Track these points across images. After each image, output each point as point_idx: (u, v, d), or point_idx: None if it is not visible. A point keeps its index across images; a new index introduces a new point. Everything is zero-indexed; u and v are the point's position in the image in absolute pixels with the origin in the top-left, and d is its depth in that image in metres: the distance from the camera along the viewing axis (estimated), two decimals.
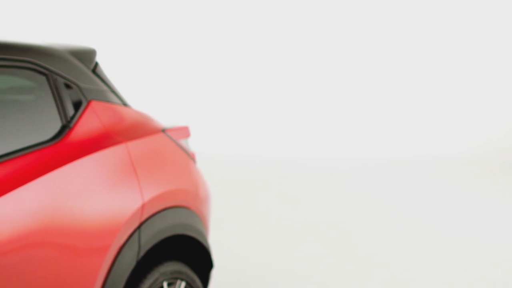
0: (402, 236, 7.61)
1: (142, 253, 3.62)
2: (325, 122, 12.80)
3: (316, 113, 12.90)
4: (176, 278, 3.87)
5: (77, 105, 3.50)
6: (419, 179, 10.52)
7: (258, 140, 12.26)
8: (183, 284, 3.91)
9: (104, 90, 3.67)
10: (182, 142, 4.12)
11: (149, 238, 3.66)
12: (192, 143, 12.25)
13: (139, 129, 3.78)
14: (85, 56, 3.68)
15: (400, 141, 12.54)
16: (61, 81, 3.45)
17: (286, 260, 6.69)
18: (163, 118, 12.29)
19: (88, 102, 3.55)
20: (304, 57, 13.08)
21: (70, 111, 3.46)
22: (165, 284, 3.81)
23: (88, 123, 3.50)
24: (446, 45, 13.22)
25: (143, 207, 3.61)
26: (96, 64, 3.76)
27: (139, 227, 3.60)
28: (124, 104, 3.81)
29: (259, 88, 12.96)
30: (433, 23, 13.16)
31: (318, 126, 12.72)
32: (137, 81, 12.23)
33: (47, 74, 3.41)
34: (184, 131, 4.14)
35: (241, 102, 12.78)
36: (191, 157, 4.13)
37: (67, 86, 3.48)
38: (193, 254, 4.13)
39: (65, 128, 3.41)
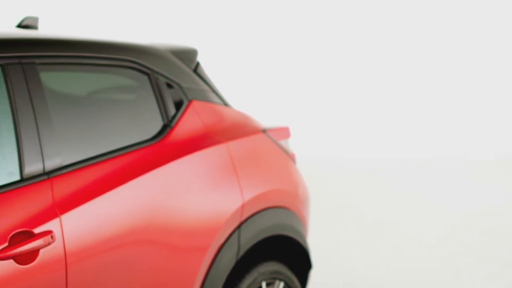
0: (463, 235, 7.27)
1: (241, 253, 3.50)
2: (362, 122, 12.54)
3: (352, 113, 12.63)
4: (275, 278, 3.71)
5: (178, 105, 3.39)
6: (458, 179, 10.10)
7: (295, 140, 11.97)
8: (281, 284, 3.75)
9: (205, 90, 3.55)
10: (282, 142, 3.96)
11: (248, 238, 3.53)
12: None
13: (239, 129, 3.64)
14: (187, 56, 3.57)
15: (438, 140, 12.19)
16: (162, 80, 3.35)
17: (362, 263, 6.45)
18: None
19: (189, 102, 3.43)
20: (346, 57, 12.83)
21: (172, 110, 3.35)
22: (263, 284, 3.66)
23: (189, 122, 3.39)
24: (485, 46, 12.81)
25: (243, 207, 3.48)
26: (198, 63, 3.64)
27: (238, 227, 3.48)
28: (225, 104, 3.68)
29: (296, 87, 12.74)
30: (473, 22, 12.77)
31: (355, 126, 12.46)
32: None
33: (149, 74, 3.31)
34: (285, 132, 3.98)
35: (277, 102, 12.58)
36: (291, 157, 3.96)
37: (169, 86, 3.37)
38: (292, 254, 3.95)
39: (167, 127, 3.32)
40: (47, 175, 2.81)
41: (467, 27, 12.89)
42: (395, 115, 12.66)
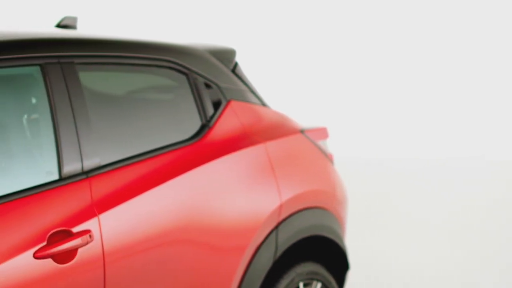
0: (503, 233, 7.18)
1: (279, 253, 3.46)
2: (387, 121, 12.44)
3: (377, 112, 12.53)
4: (312, 279, 3.66)
5: (216, 105, 3.36)
6: (479, 178, 9.97)
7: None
8: (319, 285, 3.69)
9: (244, 90, 3.51)
10: (320, 143, 3.91)
11: (286, 239, 3.48)
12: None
13: (277, 129, 3.60)
14: (225, 56, 3.53)
15: (462, 140, 12.06)
16: (201, 80, 3.31)
17: (405, 263, 6.38)
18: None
19: (228, 102, 3.40)
20: (375, 57, 12.72)
21: (210, 110, 3.32)
22: (301, 285, 3.61)
23: (227, 122, 3.36)
24: (506, 48, 12.62)
25: (280, 207, 3.43)
26: (236, 64, 3.60)
27: (276, 227, 3.43)
28: (263, 104, 3.63)
29: (323, 85, 12.66)
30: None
31: (380, 125, 12.37)
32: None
33: (187, 74, 3.28)
34: (323, 132, 3.92)
35: (301, 99, 12.50)
36: (328, 158, 3.91)
37: (207, 86, 3.34)
38: (329, 255, 3.90)
39: (205, 127, 3.28)
40: (86, 174, 2.80)
41: (487, 29, 12.77)
42: (418, 117, 12.59)
